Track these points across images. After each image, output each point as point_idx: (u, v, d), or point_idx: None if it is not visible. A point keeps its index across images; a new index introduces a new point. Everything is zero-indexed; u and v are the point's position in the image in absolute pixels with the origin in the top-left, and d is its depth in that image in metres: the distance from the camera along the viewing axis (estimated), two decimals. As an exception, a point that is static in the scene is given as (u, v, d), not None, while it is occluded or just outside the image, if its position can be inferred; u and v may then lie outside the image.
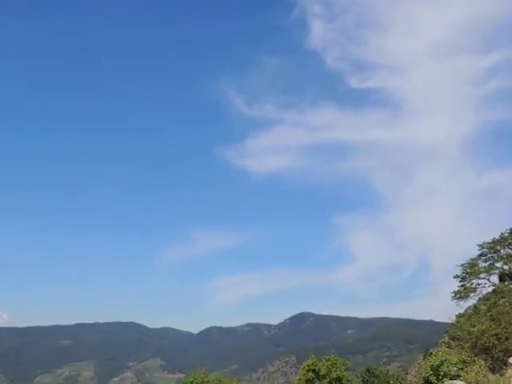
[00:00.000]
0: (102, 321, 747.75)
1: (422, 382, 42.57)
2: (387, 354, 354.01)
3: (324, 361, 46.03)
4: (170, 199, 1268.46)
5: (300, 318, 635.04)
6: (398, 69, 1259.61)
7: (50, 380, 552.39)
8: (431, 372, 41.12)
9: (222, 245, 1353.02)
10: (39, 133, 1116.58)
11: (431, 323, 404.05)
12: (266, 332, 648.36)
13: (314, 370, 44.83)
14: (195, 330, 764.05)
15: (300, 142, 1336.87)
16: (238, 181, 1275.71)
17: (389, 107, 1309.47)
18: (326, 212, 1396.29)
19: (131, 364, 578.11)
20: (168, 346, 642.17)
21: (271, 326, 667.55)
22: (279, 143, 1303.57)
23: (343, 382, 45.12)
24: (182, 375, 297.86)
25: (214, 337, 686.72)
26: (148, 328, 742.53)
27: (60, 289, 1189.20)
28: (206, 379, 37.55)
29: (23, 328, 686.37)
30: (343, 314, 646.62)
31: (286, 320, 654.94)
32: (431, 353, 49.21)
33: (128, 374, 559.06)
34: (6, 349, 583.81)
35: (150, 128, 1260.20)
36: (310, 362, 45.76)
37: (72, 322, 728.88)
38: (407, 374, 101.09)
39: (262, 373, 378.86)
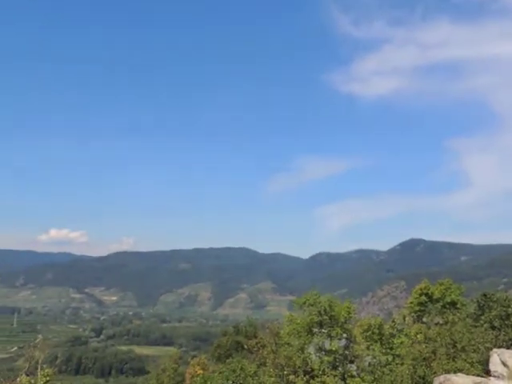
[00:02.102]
0: (216, 246, 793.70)
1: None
2: (505, 280, 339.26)
3: (437, 285, 45.06)
4: (276, 127, 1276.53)
5: (410, 244, 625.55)
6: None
7: (173, 299, 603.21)
8: (556, 298, 38.84)
9: (331, 171, 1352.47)
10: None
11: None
12: (375, 258, 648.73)
13: (426, 294, 44.16)
14: (305, 256, 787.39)
15: (410, 62, 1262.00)
16: (345, 106, 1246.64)
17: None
18: (440, 135, 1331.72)
19: (244, 286, 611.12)
20: (278, 270, 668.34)
21: (380, 251, 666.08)
22: (388, 65, 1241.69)
23: (457, 306, 44.03)
24: (292, 297, 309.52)
25: (323, 262, 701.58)
26: (259, 253, 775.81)
27: (178, 216, 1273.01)
28: (318, 300, 38.35)
29: (147, 252, 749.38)
30: (456, 241, 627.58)
31: (395, 246, 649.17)
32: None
33: (242, 295, 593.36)
34: (134, 271, 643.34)
35: (253, 54, 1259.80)
36: (422, 285, 45.00)
37: (189, 247, 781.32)
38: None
39: (372, 297, 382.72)
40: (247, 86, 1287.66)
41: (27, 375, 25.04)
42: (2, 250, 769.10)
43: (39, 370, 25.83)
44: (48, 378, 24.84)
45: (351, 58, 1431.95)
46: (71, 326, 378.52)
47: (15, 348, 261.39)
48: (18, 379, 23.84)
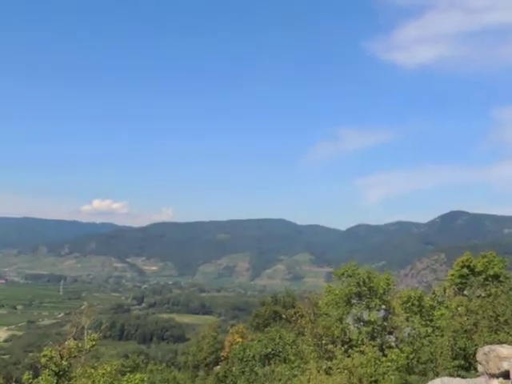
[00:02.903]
0: (254, 217, 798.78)
1: None
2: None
3: (480, 257, 44.09)
4: (315, 96, 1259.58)
5: (451, 217, 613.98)
6: None
7: (212, 269, 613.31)
8: None
9: (370, 142, 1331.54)
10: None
11: None
12: (414, 230, 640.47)
13: (468, 266, 43.31)
14: (343, 228, 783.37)
15: (455, 28, 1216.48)
16: (385, 75, 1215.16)
17: None
18: (485, 104, 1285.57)
19: (282, 258, 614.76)
20: (316, 242, 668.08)
21: (420, 224, 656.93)
22: (431, 31, 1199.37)
23: (501, 279, 43.07)
24: (329, 269, 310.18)
25: (361, 234, 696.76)
26: (297, 225, 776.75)
27: (216, 187, 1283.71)
28: (356, 271, 38.22)
29: (186, 223, 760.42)
30: (500, 213, 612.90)
31: (436, 218, 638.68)
32: None
33: (280, 266, 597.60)
34: (173, 241, 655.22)
35: (291, 19, 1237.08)
36: (464, 258, 44.07)
37: (227, 218, 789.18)
38: None
39: (410, 269, 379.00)
40: (285, 53, 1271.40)
41: (74, 339, 25.98)
42: (49, 220, 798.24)
43: (85, 334, 26.78)
44: (94, 343, 25.78)
45: (392, 25, 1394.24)
46: (114, 294, 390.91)
47: (62, 314, 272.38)
48: (66, 343, 24.81)
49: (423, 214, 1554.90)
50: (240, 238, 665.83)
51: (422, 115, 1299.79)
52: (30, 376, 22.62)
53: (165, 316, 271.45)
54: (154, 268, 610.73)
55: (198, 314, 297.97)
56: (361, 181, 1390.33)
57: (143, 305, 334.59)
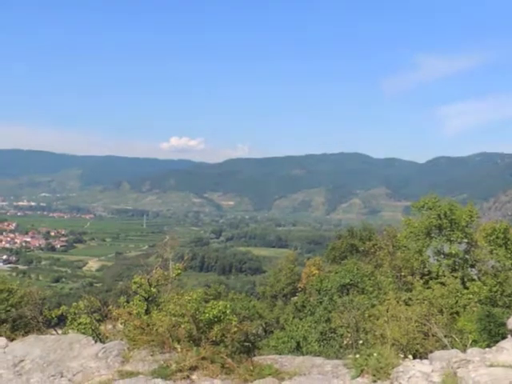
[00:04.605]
0: (329, 152, 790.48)
1: None
2: None
3: None
4: (393, 21, 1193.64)
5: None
6: None
7: (287, 204, 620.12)
8: None
9: (452, 69, 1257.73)
10: None
11: None
12: (499, 161, 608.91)
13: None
14: (421, 160, 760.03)
15: None
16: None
17: None
18: None
19: (358, 192, 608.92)
20: (393, 175, 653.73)
21: (506, 154, 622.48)
22: None
23: None
24: (407, 203, 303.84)
25: (442, 167, 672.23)
26: (373, 158, 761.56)
27: (290, 123, 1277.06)
28: (437, 203, 37.16)
29: (261, 159, 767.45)
30: None
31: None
32: None
33: (356, 200, 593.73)
34: (249, 177, 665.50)
35: None
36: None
37: (302, 153, 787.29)
38: None
39: (494, 203, 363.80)
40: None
41: (161, 268, 27.43)
42: (130, 157, 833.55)
43: (170, 264, 28.23)
44: (179, 271, 27.20)
45: None
46: (193, 228, 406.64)
47: (146, 246, 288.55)
48: (154, 271, 26.26)
49: (510, 145, 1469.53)
50: (315, 173, 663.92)
51: (508, 38, 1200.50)
52: (125, 300, 24.40)
53: (242, 249, 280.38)
54: (230, 203, 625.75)
55: (274, 247, 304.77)
56: (441, 111, 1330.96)
57: (221, 238, 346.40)
